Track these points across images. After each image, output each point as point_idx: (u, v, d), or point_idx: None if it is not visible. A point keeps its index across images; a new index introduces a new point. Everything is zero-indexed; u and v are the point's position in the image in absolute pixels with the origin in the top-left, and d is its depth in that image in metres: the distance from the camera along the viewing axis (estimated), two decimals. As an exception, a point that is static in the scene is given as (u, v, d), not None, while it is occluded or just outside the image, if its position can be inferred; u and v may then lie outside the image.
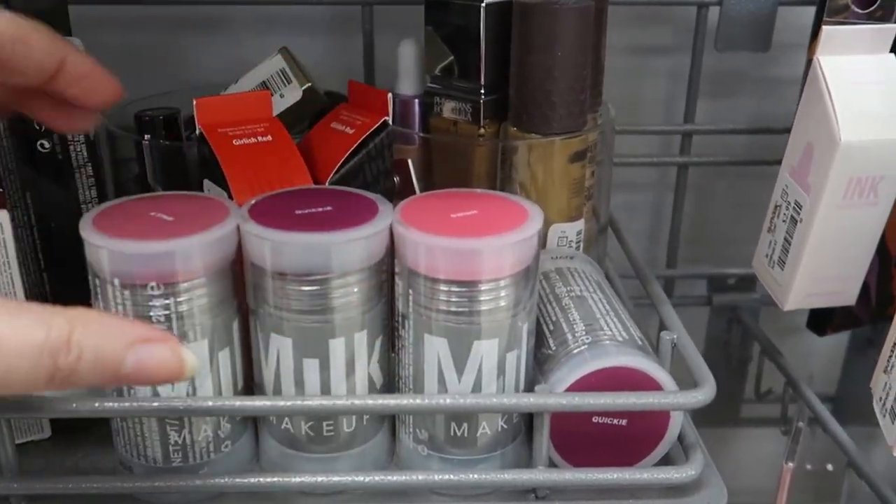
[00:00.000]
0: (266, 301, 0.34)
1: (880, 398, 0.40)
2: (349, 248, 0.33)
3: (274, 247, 0.33)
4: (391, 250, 0.35)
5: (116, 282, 0.32)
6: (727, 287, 0.68)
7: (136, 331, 0.27)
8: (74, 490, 0.34)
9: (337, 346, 0.34)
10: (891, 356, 0.39)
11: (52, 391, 0.26)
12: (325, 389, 0.35)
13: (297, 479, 0.34)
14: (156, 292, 0.32)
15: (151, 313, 0.32)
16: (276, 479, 0.34)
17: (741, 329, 0.66)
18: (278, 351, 0.34)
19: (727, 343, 0.68)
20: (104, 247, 0.32)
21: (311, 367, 0.34)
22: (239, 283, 0.35)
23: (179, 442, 0.35)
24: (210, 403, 0.33)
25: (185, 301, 0.33)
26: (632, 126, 0.63)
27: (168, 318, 0.33)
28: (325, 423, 0.35)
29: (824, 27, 0.41)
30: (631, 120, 0.64)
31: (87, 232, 0.32)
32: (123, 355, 0.26)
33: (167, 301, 0.32)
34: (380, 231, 0.34)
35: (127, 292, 0.32)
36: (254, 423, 0.38)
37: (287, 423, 0.35)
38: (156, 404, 0.33)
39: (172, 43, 0.63)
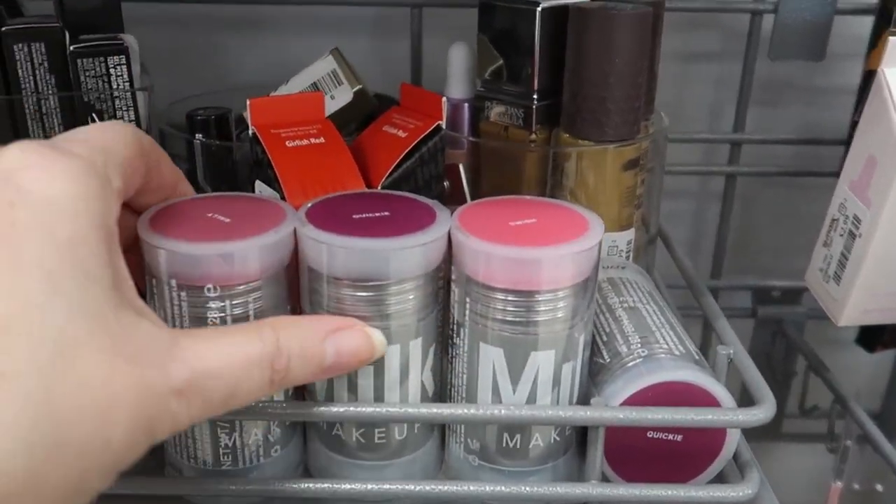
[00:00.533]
0: (321, 306, 0.33)
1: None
2: (409, 255, 0.32)
3: (333, 251, 0.32)
4: (448, 257, 0.35)
5: (173, 283, 0.32)
6: (772, 299, 0.67)
7: (327, 324, 0.29)
8: (124, 490, 0.34)
9: (392, 354, 0.34)
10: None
11: (271, 394, 0.28)
12: (379, 396, 0.34)
13: (348, 486, 0.34)
14: (212, 294, 0.32)
15: (207, 315, 0.32)
16: (326, 485, 0.34)
17: (785, 342, 0.65)
18: None
19: (771, 356, 0.67)
20: (162, 248, 0.31)
21: (366, 373, 0.34)
22: (293, 286, 0.35)
23: (230, 445, 0.35)
24: (265, 408, 0.33)
25: (241, 304, 0.32)
26: (677, 133, 0.62)
27: (223, 320, 0.32)
28: (376, 431, 0.35)
29: (890, 38, 0.40)
30: (674, 127, 0.64)
31: (145, 232, 0.32)
32: (323, 349, 0.29)
33: (223, 303, 0.32)
34: (439, 238, 0.33)
35: (184, 293, 0.32)
36: (302, 429, 0.37)
37: (338, 430, 0.35)
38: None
39: (219, 42, 0.63)
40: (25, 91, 0.41)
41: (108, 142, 0.27)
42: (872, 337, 0.54)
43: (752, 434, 0.37)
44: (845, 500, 0.50)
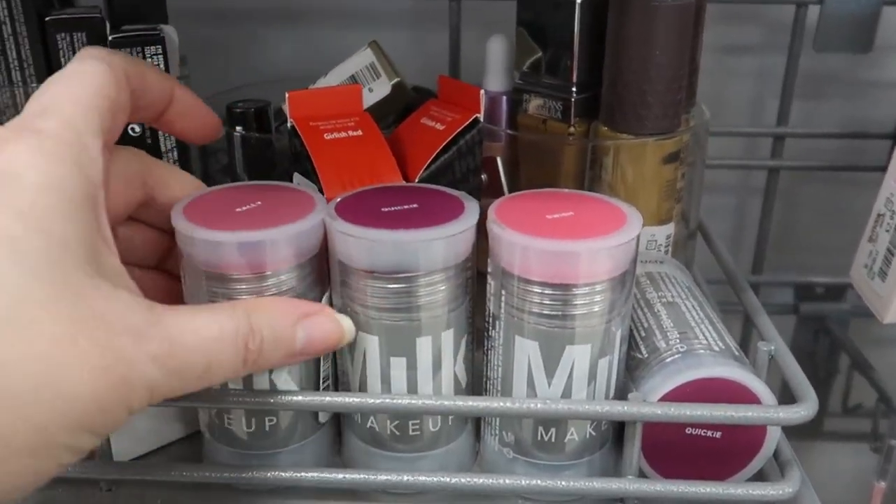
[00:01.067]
0: (352, 299, 0.33)
1: None
2: (438, 246, 0.32)
3: (362, 244, 0.32)
4: (476, 248, 0.35)
5: (204, 270, 0.32)
6: (815, 296, 0.65)
7: (297, 308, 0.30)
8: (163, 477, 0.35)
9: (424, 345, 0.34)
10: None
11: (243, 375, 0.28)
12: (412, 388, 0.34)
13: (383, 477, 0.34)
14: (243, 282, 0.32)
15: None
16: (361, 476, 0.34)
17: (829, 340, 0.64)
18: (365, 350, 0.34)
19: (814, 354, 0.65)
20: (193, 236, 0.32)
21: (398, 365, 0.34)
22: (323, 276, 0.35)
23: (262, 430, 0.35)
24: (300, 398, 0.33)
25: (274, 292, 0.33)
26: (718, 127, 0.62)
27: None
28: (410, 423, 0.35)
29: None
30: (716, 121, 0.63)
31: (178, 220, 0.33)
32: (294, 332, 0.29)
33: (254, 291, 0.32)
34: (467, 229, 0.33)
35: (214, 281, 0.32)
36: (334, 418, 0.37)
37: (372, 422, 0.35)
38: (249, 399, 0.33)
39: (260, 34, 0.64)
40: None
41: (78, 102, 0.27)
42: (919, 335, 0.53)
43: (794, 432, 0.36)
44: (889, 501, 0.49)
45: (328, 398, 0.33)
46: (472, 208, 0.34)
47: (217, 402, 0.34)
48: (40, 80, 0.42)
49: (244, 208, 0.34)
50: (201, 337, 0.27)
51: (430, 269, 0.33)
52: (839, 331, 0.63)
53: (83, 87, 0.27)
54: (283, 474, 0.34)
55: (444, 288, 0.33)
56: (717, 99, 0.65)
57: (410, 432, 0.35)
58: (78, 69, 0.28)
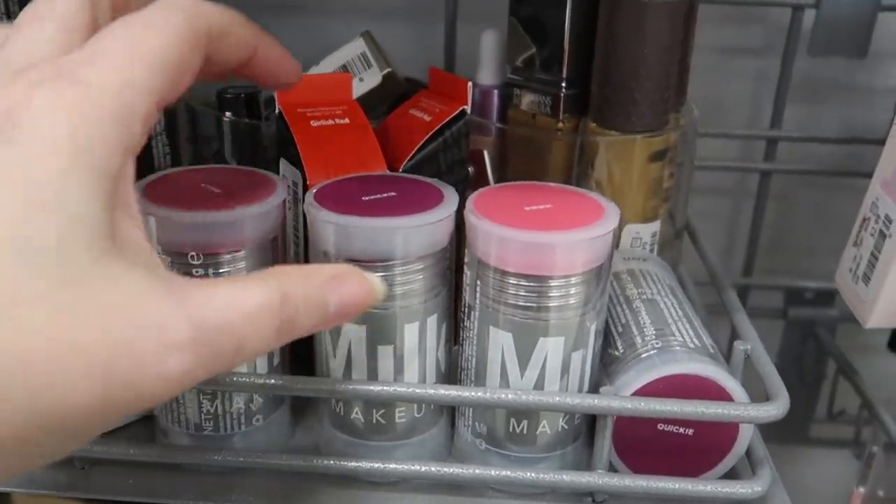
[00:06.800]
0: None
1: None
2: (415, 234, 0.33)
3: (340, 231, 0.32)
4: (455, 239, 0.35)
5: (160, 249, 0.32)
6: (804, 301, 0.65)
7: (326, 272, 0.27)
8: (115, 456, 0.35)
9: (400, 334, 0.34)
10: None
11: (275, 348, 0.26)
12: (386, 377, 0.34)
13: (354, 464, 0.34)
14: (196, 262, 0.32)
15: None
16: (331, 461, 0.34)
17: (816, 345, 0.64)
18: (350, 340, 0.34)
19: (801, 358, 0.65)
20: (150, 214, 0.32)
21: (371, 354, 0.34)
22: (280, 259, 0.35)
23: (212, 411, 0.35)
24: (272, 381, 0.33)
25: (226, 272, 0.33)
26: (714, 129, 0.61)
27: None
28: (378, 412, 0.35)
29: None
30: (712, 122, 0.63)
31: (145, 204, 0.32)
32: (325, 297, 0.26)
33: (208, 272, 0.33)
34: (445, 217, 0.33)
35: (169, 260, 0.33)
36: (289, 400, 0.38)
37: (345, 409, 0.35)
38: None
39: (256, 22, 0.64)
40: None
41: (135, 54, 0.24)
42: (905, 343, 0.53)
43: (778, 437, 0.36)
44: (867, 506, 0.49)
45: (302, 384, 0.33)
46: (450, 197, 0.34)
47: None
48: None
49: (206, 188, 0.35)
50: (234, 315, 0.24)
51: (406, 258, 0.33)
52: (826, 336, 0.63)
53: (147, 37, 0.24)
54: (256, 459, 0.34)
55: (421, 277, 0.33)
56: (714, 101, 0.65)
57: (383, 421, 0.35)
58: (150, 17, 0.24)
